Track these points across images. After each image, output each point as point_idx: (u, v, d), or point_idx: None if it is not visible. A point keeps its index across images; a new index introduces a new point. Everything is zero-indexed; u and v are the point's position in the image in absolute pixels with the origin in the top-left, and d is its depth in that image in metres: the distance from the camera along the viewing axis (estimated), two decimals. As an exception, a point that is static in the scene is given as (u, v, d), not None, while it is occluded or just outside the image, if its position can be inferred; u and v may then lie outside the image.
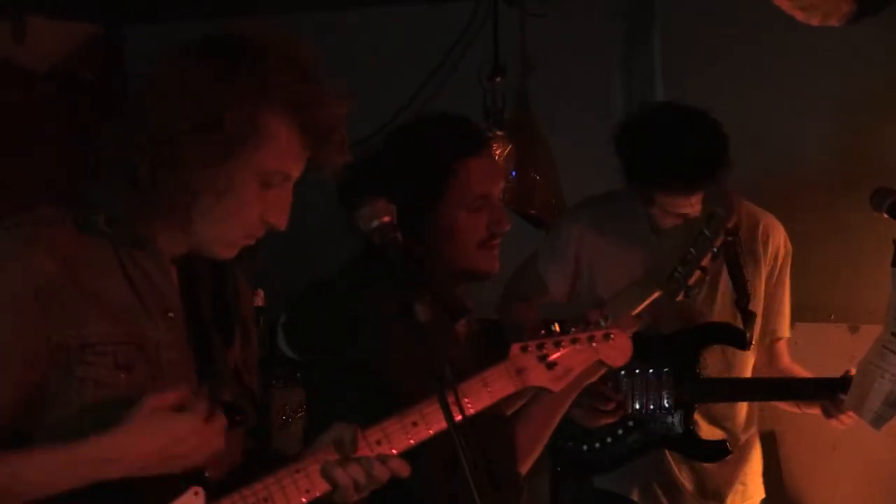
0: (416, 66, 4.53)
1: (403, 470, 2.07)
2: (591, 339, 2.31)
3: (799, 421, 3.69)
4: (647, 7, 4.36)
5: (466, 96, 4.20)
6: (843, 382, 3.23)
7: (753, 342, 3.30)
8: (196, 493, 1.98)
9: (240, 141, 1.95)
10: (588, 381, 2.52)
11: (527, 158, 4.25)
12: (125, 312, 1.98)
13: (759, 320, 3.33)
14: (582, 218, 3.47)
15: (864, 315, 3.92)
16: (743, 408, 3.47)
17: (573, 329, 2.31)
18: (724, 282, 3.32)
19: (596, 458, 3.40)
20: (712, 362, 3.35)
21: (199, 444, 1.94)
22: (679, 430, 3.34)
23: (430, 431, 2.11)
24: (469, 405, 2.14)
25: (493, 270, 2.54)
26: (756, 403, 3.52)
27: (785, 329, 3.46)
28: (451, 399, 2.01)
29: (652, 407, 3.33)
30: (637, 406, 3.33)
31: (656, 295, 2.68)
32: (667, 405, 3.34)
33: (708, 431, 3.39)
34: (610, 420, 3.23)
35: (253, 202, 2.00)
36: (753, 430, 3.50)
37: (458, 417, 2.04)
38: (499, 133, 4.18)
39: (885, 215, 3.14)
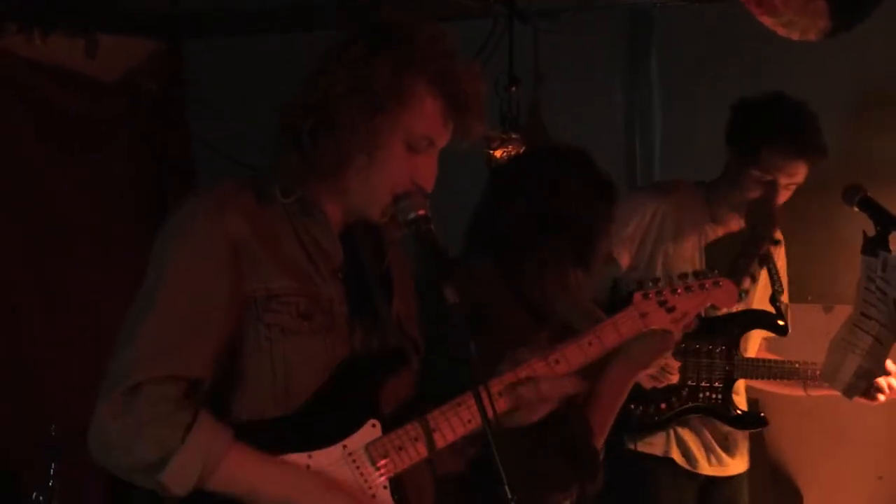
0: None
1: (574, 387, 2.22)
2: (702, 286, 2.45)
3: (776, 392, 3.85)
4: (646, 27, 4.52)
5: (485, 104, 4.37)
6: None
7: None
8: (373, 425, 2.11)
9: (387, 100, 2.05)
10: (661, 358, 2.75)
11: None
12: (302, 272, 2.12)
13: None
14: (662, 201, 3.68)
15: (837, 296, 4.07)
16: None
17: (687, 279, 2.46)
18: (762, 277, 3.63)
19: (650, 419, 3.61)
20: None
21: None
22: (722, 400, 3.62)
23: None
24: (599, 343, 2.31)
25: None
26: None
27: None
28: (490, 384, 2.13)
29: (705, 379, 3.60)
30: (694, 376, 3.58)
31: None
32: (718, 378, 3.61)
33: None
34: (666, 384, 3.48)
35: (401, 163, 2.11)
36: None
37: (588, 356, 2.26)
38: (514, 136, 4.31)
39: (856, 209, 3.34)
